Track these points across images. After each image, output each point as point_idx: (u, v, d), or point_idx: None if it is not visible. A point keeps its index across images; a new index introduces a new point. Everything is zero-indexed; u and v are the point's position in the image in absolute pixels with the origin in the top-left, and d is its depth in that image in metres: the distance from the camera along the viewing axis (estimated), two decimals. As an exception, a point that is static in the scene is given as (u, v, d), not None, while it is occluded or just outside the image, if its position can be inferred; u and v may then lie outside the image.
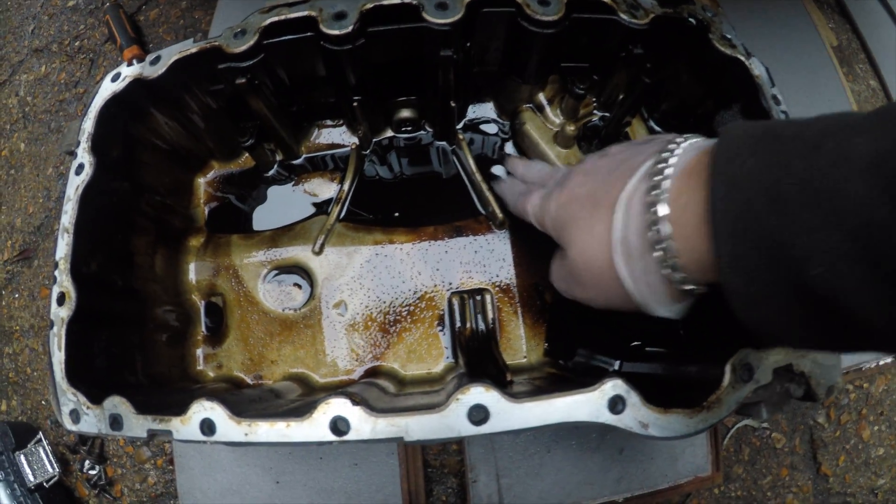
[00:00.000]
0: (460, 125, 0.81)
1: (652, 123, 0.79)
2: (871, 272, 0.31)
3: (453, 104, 0.73)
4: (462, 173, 0.81)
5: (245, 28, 0.63)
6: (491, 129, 0.82)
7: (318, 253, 0.78)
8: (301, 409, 0.50)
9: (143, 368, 0.69)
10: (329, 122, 0.83)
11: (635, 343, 0.74)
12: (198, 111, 0.73)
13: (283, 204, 0.82)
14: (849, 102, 1.14)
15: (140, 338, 0.70)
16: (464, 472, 0.91)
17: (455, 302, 0.77)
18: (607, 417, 0.48)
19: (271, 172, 0.83)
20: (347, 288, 0.78)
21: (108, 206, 0.67)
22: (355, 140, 0.82)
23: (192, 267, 0.80)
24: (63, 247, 0.61)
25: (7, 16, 1.36)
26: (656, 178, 0.44)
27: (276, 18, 0.62)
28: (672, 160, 0.44)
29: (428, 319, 0.77)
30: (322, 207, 0.82)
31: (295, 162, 0.83)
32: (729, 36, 0.65)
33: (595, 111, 0.78)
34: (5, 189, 1.22)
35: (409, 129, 0.81)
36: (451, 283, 0.78)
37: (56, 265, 0.60)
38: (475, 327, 0.75)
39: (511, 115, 0.80)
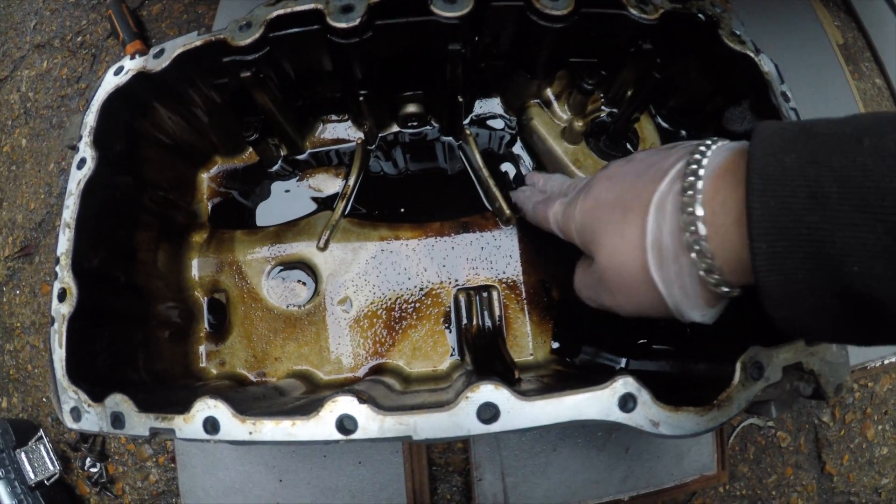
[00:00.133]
0: (467, 120, 0.81)
1: (660, 120, 0.78)
2: None
3: (460, 99, 0.72)
4: (468, 169, 0.80)
5: (251, 21, 0.62)
6: (498, 124, 0.81)
7: (323, 249, 0.78)
8: (307, 408, 0.50)
9: (146, 366, 0.68)
10: (334, 117, 0.82)
11: (642, 341, 0.74)
12: (202, 105, 0.72)
13: (287, 199, 0.82)
14: (854, 100, 1.13)
15: (142, 335, 0.69)
16: (469, 470, 0.91)
17: (461, 299, 0.76)
18: (618, 416, 0.48)
19: (275, 168, 0.82)
20: (352, 284, 0.78)
21: (111, 201, 0.66)
22: (361, 135, 0.81)
23: (195, 263, 0.79)
24: (64, 242, 0.60)
25: (9, 11, 1.35)
26: (690, 179, 0.43)
27: (282, 11, 0.62)
28: (704, 161, 0.44)
29: (434, 316, 0.76)
30: (327, 203, 0.81)
31: (299, 157, 0.82)
32: (738, 32, 0.64)
33: (603, 107, 0.77)
34: (7, 185, 1.21)
35: (415, 124, 0.80)
36: (457, 280, 0.77)
37: (57, 261, 0.60)
38: (481, 324, 0.74)
39: (518, 111, 0.80)
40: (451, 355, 0.75)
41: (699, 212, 0.42)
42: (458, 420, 0.47)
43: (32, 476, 0.95)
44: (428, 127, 0.81)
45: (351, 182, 0.78)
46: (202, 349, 0.77)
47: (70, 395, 0.56)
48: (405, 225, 0.79)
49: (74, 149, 0.64)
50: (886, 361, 1.04)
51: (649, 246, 0.47)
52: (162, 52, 0.65)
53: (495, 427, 0.47)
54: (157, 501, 1.00)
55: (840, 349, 0.51)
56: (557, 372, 0.72)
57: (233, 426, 0.49)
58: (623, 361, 0.74)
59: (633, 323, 0.73)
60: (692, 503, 0.98)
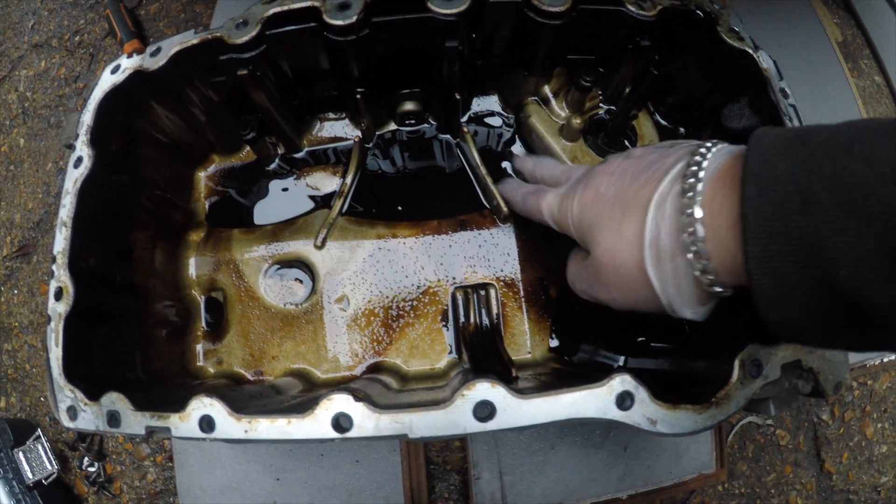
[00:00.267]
0: (464, 118, 0.80)
1: (658, 117, 0.78)
2: None
3: (458, 96, 0.72)
4: (466, 167, 0.80)
5: (247, 19, 0.62)
6: (496, 122, 0.81)
7: (320, 247, 0.78)
8: (303, 406, 0.50)
9: (143, 364, 0.68)
10: (332, 115, 0.82)
11: (640, 339, 0.74)
12: (199, 104, 0.72)
13: (284, 198, 0.81)
14: (854, 98, 1.13)
15: (139, 333, 0.69)
16: (466, 468, 0.91)
17: (459, 297, 0.76)
18: (615, 414, 0.48)
19: (273, 166, 0.82)
20: (350, 282, 0.77)
21: (107, 199, 0.66)
22: (358, 133, 0.81)
23: (192, 262, 0.79)
24: (61, 241, 0.60)
25: (7, 11, 1.35)
26: (690, 181, 0.45)
27: (278, 9, 0.61)
28: (704, 163, 0.45)
29: (431, 314, 0.76)
30: (324, 201, 0.81)
31: (297, 155, 0.82)
32: (737, 28, 0.64)
33: (601, 104, 0.77)
34: (4, 185, 1.21)
35: (413, 122, 0.80)
36: (454, 278, 0.77)
37: (54, 259, 0.60)
38: (479, 322, 0.74)
39: (516, 108, 0.79)
40: (449, 354, 0.75)
41: (698, 214, 0.43)
42: (454, 418, 0.47)
43: (30, 476, 0.95)
44: (425, 125, 0.81)
45: (348, 180, 0.78)
46: (199, 348, 0.77)
47: (66, 394, 0.55)
48: (403, 223, 0.78)
49: (71, 148, 0.64)
50: (886, 359, 1.04)
51: (647, 244, 0.47)
52: (158, 50, 0.65)
53: (491, 425, 0.47)
54: (155, 500, 1.00)
55: (840, 347, 0.51)
56: (556, 370, 0.72)
57: (228, 424, 0.49)
58: (622, 360, 0.74)
59: (631, 321, 0.73)
60: (691, 501, 0.98)
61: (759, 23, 1.14)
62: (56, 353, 0.57)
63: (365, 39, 0.63)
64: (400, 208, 0.80)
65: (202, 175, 0.82)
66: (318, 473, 0.88)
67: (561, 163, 0.73)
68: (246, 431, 0.49)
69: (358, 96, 0.72)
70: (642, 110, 0.77)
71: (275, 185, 0.82)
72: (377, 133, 0.81)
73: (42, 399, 1.07)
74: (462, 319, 0.75)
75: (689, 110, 0.75)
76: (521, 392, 0.47)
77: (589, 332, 0.75)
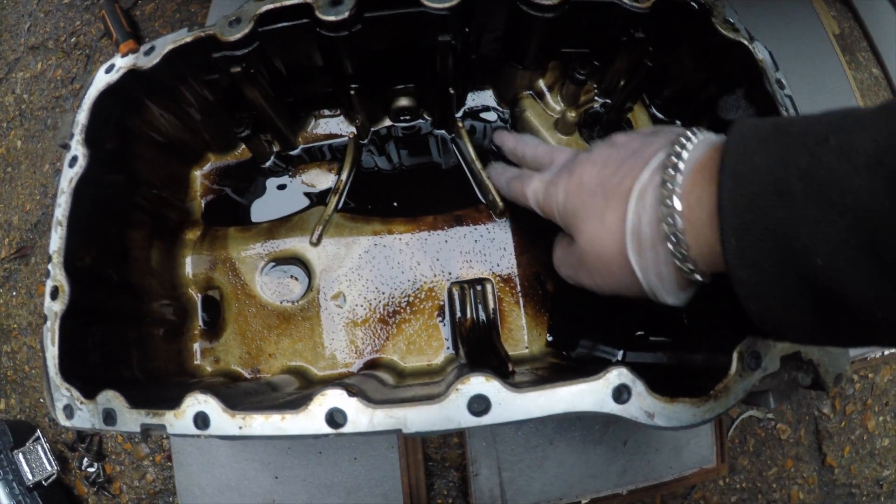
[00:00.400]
0: (459, 113, 0.80)
1: (654, 110, 0.78)
2: (872, 264, 0.33)
3: (452, 91, 0.72)
4: (461, 162, 0.80)
5: (240, 16, 0.62)
6: (490, 116, 0.81)
7: (316, 244, 0.77)
8: (297, 402, 0.50)
9: (140, 363, 0.68)
10: (326, 112, 0.82)
11: (639, 333, 0.73)
12: (193, 103, 0.72)
13: (280, 195, 0.81)
14: (851, 90, 1.12)
15: (136, 332, 0.69)
16: (465, 465, 0.90)
17: (455, 292, 0.75)
18: (612, 407, 0.47)
19: (268, 164, 0.82)
20: (346, 279, 0.77)
21: (103, 199, 0.66)
22: (353, 130, 0.81)
23: (188, 260, 0.79)
24: (56, 240, 0.60)
25: (3, 14, 1.35)
26: (669, 172, 0.45)
27: (271, 6, 0.61)
28: (685, 154, 0.45)
29: (428, 310, 0.76)
30: (320, 198, 0.81)
31: (292, 153, 0.82)
32: (731, 20, 0.64)
33: (596, 98, 0.76)
34: (2, 187, 1.21)
35: (408, 117, 0.80)
36: (451, 273, 0.77)
37: (50, 259, 0.60)
38: (476, 318, 0.74)
39: (511, 103, 0.79)
40: (446, 349, 0.75)
41: (677, 205, 0.44)
42: (449, 413, 0.47)
43: (30, 477, 0.95)
44: (420, 120, 0.81)
45: (344, 177, 0.78)
46: (196, 347, 0.77)
47: (63, 393, 0.55)
48: (398, 219, 0.78)
49: (66, 147, 0.64)
50: (887, 352, 1.03)
51: (629, 233, 0.48)
52: (152, 49, 0.64)
53: (486, 420, 0.47)
54: (155, 500, 1.00)
55: (839, 339, 0.51)
56: (553, 365, 0.71)
57: (223, 421, 0.49)
58: (620, 354, 0.74)
59: (629, 314, 0.73)
60: (691, 496, 0.98)
61: (756, 16, 1.13)
62: (52, 352, 0.57)
63: (358, 35, 0.63)
64: (395, 204, 0.80)
65: (198, 173, 0.82)
66: (317, 471, 0.88)
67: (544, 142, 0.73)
68: (240, 428, 0.49)
69: (352, 92, 0.72)
70: (637, 103, 0.77)
71: (270, 183, 0.82)
72: (372, 129, 0.81)
73: (41, 401, 1.07)
74: (458, 315, 0.75)
75: (684, 102, 0.74)
76: (516, 386, 0.47)
77: (587, 327, 0.75)
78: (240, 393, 0.62)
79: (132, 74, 0.65)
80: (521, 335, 0.75)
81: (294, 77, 0.72)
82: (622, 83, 0.73)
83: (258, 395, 0.63)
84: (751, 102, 0.65)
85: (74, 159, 0.63)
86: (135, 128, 0.71)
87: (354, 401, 0.48)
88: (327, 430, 0.48)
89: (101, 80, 0.65)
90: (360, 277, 0.77)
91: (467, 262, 0.77)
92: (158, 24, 1.23)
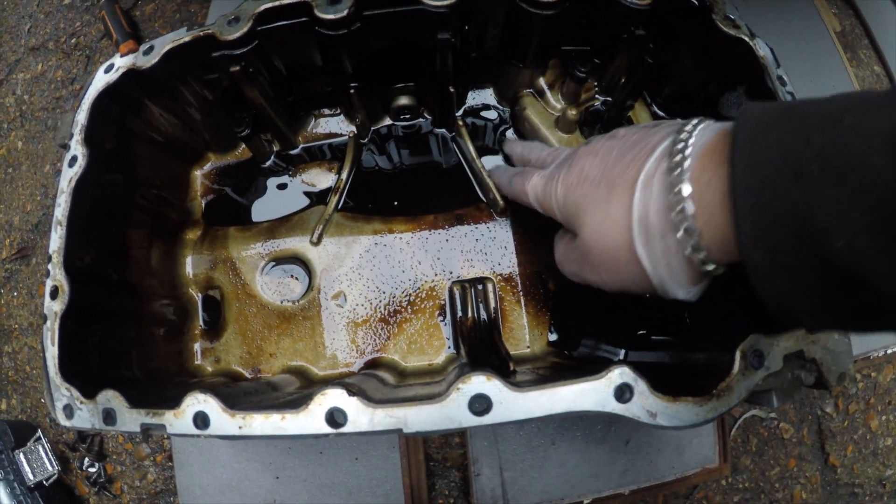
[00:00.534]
0: (460, 112, 0.80)
1: (655, 108, 0.78)
2: (893, 244, 0.31)
3: (452, 90, 0.72)
4: (462, 160, 0.80)
5: (238, 15, 0.62)
6: (491, 115, 0.81)
7: (317, 243, 0.77)
8: (297, 402, 0.49)
9: (140, 363, 0.68)
10: (326, 111, 0.81)
11: (641, 332, 0.73)
12: (193, 102, 0.72)
13: (280, 195, 0.81)
14: (853, 88, 1.12)
15: (136, 332, 0.69)
16: (467, 465, 0.90)
17: (456, 291, 0.75)
18: (614, 406, 0.47)
19: (268, 163, 0.81)
20: (346, 278, 0.77)
21: (102, 198, 0.66)
22: (353, 129, 0.81)
23: (188, 260, 0.79)
24: (56, 240, 0.60)
25: (3, 15, 1.35)
26: (676, 158, 0.43)
27: (269, 5, 0.61)
28: (691, 140, 0.44)
29: (429, 310, 0.76)
30: (320, 198, 0.81)
31: (292, 152, 0.82)
32: (732, 16, 0.63)
33: (597, 95, 0.76)
34: (3, 187, 1.21)
35: (408, 116, 0.80)
36: (451, 273, 0.77)
37: (49, 259, 0.60)
38: (477, 317, 0.74)
39: (511, 101, 0.79)
40: (447, 349, 0.75)
41: (686, 190, 0.42)
42: (450, 412, 0.46)
43: (31, 477, 0.95)
44: (421, 119, 0.81)
45: (344, 176, 0.78)
46: (197, 346, 0.77)
47: (63, 393, 0.55)
48: (399, 218, 0.78)
49: (66, 147, 0.64)
50: (890, 351, 1.03)
51: (635, 224, 0.46)
52: (151, 48, 0.64)
53: (487, 419, 0.46)
54: (156, 500, 1.00)
55: (842, 337, 0.51)
56: (555, 364, 0.71)
57: (223, 420, 0.49)
58: (622, 353, 0.74)
59: (631, 313, 0.73)
60: (694, 496, 0.97)
61: (756, 13, 1.13)
62: (52, 352, 0.57)
63: (357, 33, 0.63)
64: (396, 203, 0.79)
65: (198, 173, 0.82)
66: (318, 471, 0.88)
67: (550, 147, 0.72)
68: (240, 427, 0.49)
69: (352, 91, 0.72)
70: (638, 101, 0.76)
71: (271, 183, 0.82)
72: (372, 128, 0.81)
73: (42, 401, 1.07)
74: (460, 314, 0.74)
75: (685, 100, 0.74)
76: (517, 385, 0.47)
77: (588, 326, 0.74)
78: (240, 393, 0.62)
79: (131, 74, 0.65)
80: (523, 334, 0.75)
81: (294, 76, 0.71)
82: (623, 81, 0.73)
83: (258, 395, 0.63)
84: (752, 99, 0.65)
85: (74, 159, 0.62)
86: (134, 128, 0.70)
87: (355, 400, 0.47)
88: (327, 429, 0.47)
89: (101, 79, 0.65)
90: (361, 277, 0.77)
91: (468, 262, 0.77)
92: (158, 24, 1.23)
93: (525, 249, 0.77)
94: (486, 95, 0.81)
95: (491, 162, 0.79)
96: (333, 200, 0.77)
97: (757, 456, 1.00)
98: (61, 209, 0.61)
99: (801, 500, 1.00)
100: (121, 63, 0.65)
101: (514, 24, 0.65)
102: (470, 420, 0.46)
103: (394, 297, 0.77)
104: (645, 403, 0.47)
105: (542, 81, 0.75)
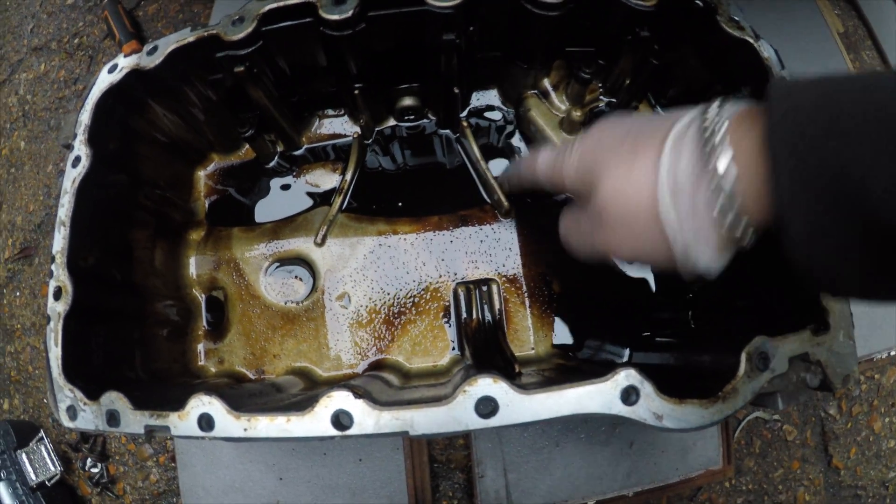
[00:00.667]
0: (464, 113, 0.80)
1: (659, 109, 0.77)
2: None
3: (456, 90, 0.72)
4: (466, 161, 0.80)
5: (243, 15, 0.62)
6: (495, 116, 0.81)
7: (321, 244, 0.77)
8: (302, 403, 0.49)
9: (143, 364, 0.67)
10: (330, 112, 0.81)
11: (645, 333, 0.73)
12: (197, 103, 0.71)
13: (284, 196, 0.81)
14: (857, 89, 1.12)
15: (140, 333, 0.69)
16: (471, 467, 0.90)
17: (461, 293, 0.75)
18: (620, 409, 0.47)
19: (272, 164, 0.81)
20: (350, 279, 0.77)
21: (106, 199, 0.66)
22: (357, 129, 0.80)
23: (192, 261, 0.79)
24: (60, 240, 0.60)
25: (6, 15, 1.35)
26: (710, 116, 0.42)
27: (274, 5, 0.61)
28: (725, 106, 0.43)
29: (433, 311, 0.76)
30: (324, 198, 0.81)
31: (296, 153, 0.82)
32: (737, 18, 0.63)
33: (601, 97, 0.76)
34: (6, 187, 1.21)
35: (412, 117, 0.80)
36: (456, 274, 0.77)
37: (53, 259, 0.59)
38: (481, 318, 0.74)
39: (516, 102, 0.79)
40: (452, 350, 0.75)
41: (720, 147, 0.40)
42: (456, 415, 0.46)
43: (34, 477, 0.95)
44: (425, 120, 0.81)
45: (348, 177, 0.78)
46: (200, 347, 0.77)
47: (66, 394, 0.55)
48: (403, 219, 0.78)
49: (69, 148, 0.64)
50: (893, 353, 1.02)
51: (663, 178, 0.44)
52: (155, 49, 0.64)
53: (494, 422, 0.46)
54: (158, 501, 1.00)
55: (847, 339, 0.51)
56: (559, 366, 0.71)
57: (227, 423, 0.49)
58: (626, 355, 0.73)
59: (636, 313, 0.73)
60: (697, 498, 0.97)
61: (759, 14, 1.13)
62: (55, 353, 0.57)
63: (361, 34, 0.63)
64: (400, 204, 0.79)
65: (202, 174, 0.82)
66: (321, 472, 0.88)
67: None
68: (245, 430, 0.48)
69: (356, 92, 0.72)
70: (643, 102, 0.76)
71: (274, 183, 0.82)
72: (376, 129, 0.81)
73: (45, 400, 1.07)
74: (464, 316, 0.74)
75: (690, 101, 0.73)
76: (523, 387, 0.47)
77: (593, 328, 0.74)
78: (244, 394, 0.62)
79: (135, 74, 0.64)
80: (527, 336, 0.75)
81: (298, 76, 0.71)
82: (627, 82, 0.73)
83: (263, 397, 0.63)
84: (757, 100, 0.65)
85: (77, 159, 0.62)
86: (138, 128, 0.70)
87: (361, 402, 0.47)
88: (333, 432, 0.47)
89: (104, 79, 0.65)
90: (365, 278, 0.77)
91: (473, 263, 0.77)
92: (161, 24, 1.23)
93: (530, 251, 0.77)
94: (490, 96, 0.80)
95: (494, 164, 0.79)
96: (338, 201, 0.77)
97: (760, 458, 0.99)
98: (65, 209, 0.61)
99: (804, 502, 1.00)
100: (124, 63, 0.65)
101: (519, 26, 0.65)
102: (476, 422, 0.46)
103: (398, 298, 0.77)
104: (651, 406, 0.47)
105: (546, 82, 0.75)
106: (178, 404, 0.50)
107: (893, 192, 0.32)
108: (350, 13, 0.59)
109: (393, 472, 0.87)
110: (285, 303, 0.77)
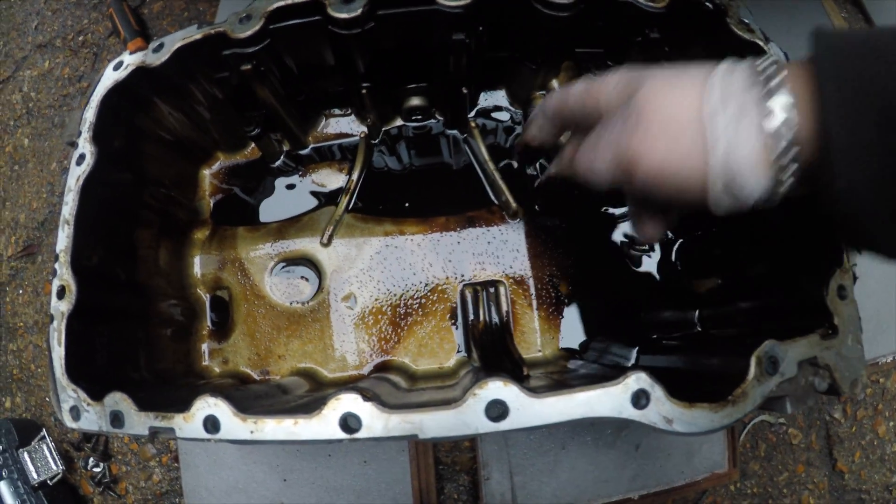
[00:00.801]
0: (472, 113, 0.80)
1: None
2: None
3: (465, 91, 0.71)
4: (474, 162, 0.79)
5: (250, 13, 0.61)
6: (503, 116, 0.80)
7: (327, 244, 0.77)
8: (310, 406, 0.49)
9: (147, 364, 0.67)
10: (337, 111, 0.81)
11: (653, 336, 0.73)
12: (203, 101, 0.71)
13: (289, 195, 0.81)
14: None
15: (144, 333, 0.68)
16: (476, 469, 0.89)
17: (468, 294, 0.75)
18: (631, 413, 0.46)
19: (278, 163, 0.81)
20: (357, 280, 0.76)
21: (110, 197, 0.65)
22: (364, 129, 0.80)
23: (197, 260, 0.78)
24: (63, 239, 0.59)
25: (11, 12, 1.35)
26: (762, 63, 0.44)
27: (282, 3, 0.61)
28: (770, 59, 0.44)
29: (440, 312, 0.75)
30: (330, 198, 0.80)
31: (302, 152, 0.81)
32: (746, 20, 0.63)
33: (610, 98, 0.76)
34: (9, 185, 1.21)
35: (420, 117, 0.79)
36: (463, 275, 0.76)
37: (57, 258, 0.59)
38: (488, 320, 0.73)
39: (524, 103, 0.78)
40: (458, 352, 0.74)
41: (773, 68, 0.42)
42: (466, 418, 0.46)
43: (35, 476, 0.95)
44: (432, 120, 0.80)
45: (354, 177, 0.77)
46: (205, 347, 0.76)
47: (69, 394, 0.55)
48: (410, 220, 0.78)
49: (74, 145, 0.64)
50: (898, 357, 1.02)
51: (717, 77, 0.44)
52: (161, 46, 0.64)
53: (504, 425, 0.46)
54: (161, 501, 1.00)
55: (855, 343, 0.50)
56: (566, 368, 0.70)
57: (234, 425, 0.48)
58: (633, 357, 0.73)
59: (643, 316, 0.72)
60: (703, 501, 0.97)
61: (765, 16, 1.12)
62: (59, 353, 0.56)
63: (370, 33, 0.62)
64: (407, 205, 0.79)
65: (207, 173, 0.82)
66: (326, 474, 0.87)
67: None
68: (252, 432, 0.48)
69: (363, 91, 0.72)
70: (652, 104, 0.76)
71: (280, 183, 0.82)
72: (383, 129, 0.81)
73: (47, 399, 1.07)
74: (471, 317, 0.74)
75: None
76: (533, 391, 0.46)
77: (600, 330, 0.74)
78: (250, 396, 0.61)
79: (141, 72, 0.64)
80: (535, 338, 0.74)
81: (305, 75, 0.71)
82: (637, 83, 0.72)
83: (268, 398, 0.62)
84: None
85: (82, 157, 0.62)
86: (143, 126, 0.70)
87: (369, 405, 0.47)
88: (341, 435, 0.47)
89: (110, 77, 0.64)
90: (372, 279, 0.76)
91: (480, 264, 0.76)
92: (167, 22, 1.23)
93: (537, 252, 0.76)
94: (498, 97, 0.80)
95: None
96: (344, 201, 0.77)
97: (765, 461, 0.99)
98: (69, 208, 0.61)
99: (808, 505, 0.99)
100: (130, 60, 0.65)
101: (529, 26, 0.64)
102: (486, 426, 0.46)
103: (405, 299, 0.76)
104: (661, 410, 0.47)
105: (555, 83, 0.75)
106: (183, 406, 0.50)
107: None
108: (359, 12, 0.59)
109: (398, 474, 0.87)
110: (290, 303, 0.77)
